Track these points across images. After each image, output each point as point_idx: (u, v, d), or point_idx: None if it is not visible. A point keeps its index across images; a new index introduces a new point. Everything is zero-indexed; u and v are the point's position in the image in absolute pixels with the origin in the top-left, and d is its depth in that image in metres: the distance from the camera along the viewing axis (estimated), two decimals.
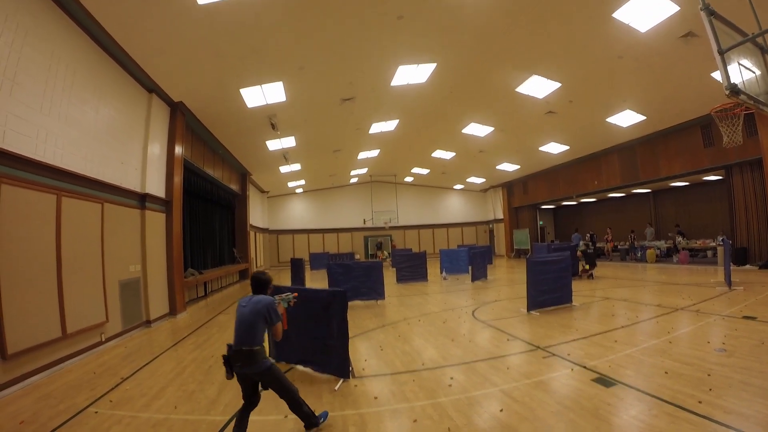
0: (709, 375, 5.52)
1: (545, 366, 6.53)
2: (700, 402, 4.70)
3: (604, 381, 5.61)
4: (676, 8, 10.40)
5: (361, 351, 7.93)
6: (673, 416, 4.44)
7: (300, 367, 6.95)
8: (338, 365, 6.35)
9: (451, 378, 6.16)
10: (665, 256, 23.63)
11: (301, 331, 6.87)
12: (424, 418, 4.87)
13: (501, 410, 4.94)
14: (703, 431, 4.12)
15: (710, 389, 5.04)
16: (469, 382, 6.00)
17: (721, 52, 5.05)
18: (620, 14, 10.82)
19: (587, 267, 17.23)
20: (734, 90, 4.91)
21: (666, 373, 5.73)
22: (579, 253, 17.81)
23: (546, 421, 4.60)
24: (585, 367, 6.24)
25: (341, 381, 6.17)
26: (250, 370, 4.26)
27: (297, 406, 4.47)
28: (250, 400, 4.43)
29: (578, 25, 11.47)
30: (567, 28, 11.62)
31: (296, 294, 5.44)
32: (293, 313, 6.97)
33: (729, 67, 5.07)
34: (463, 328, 9.63)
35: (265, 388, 4.44)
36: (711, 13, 5.09)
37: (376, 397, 5.59)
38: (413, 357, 7.44)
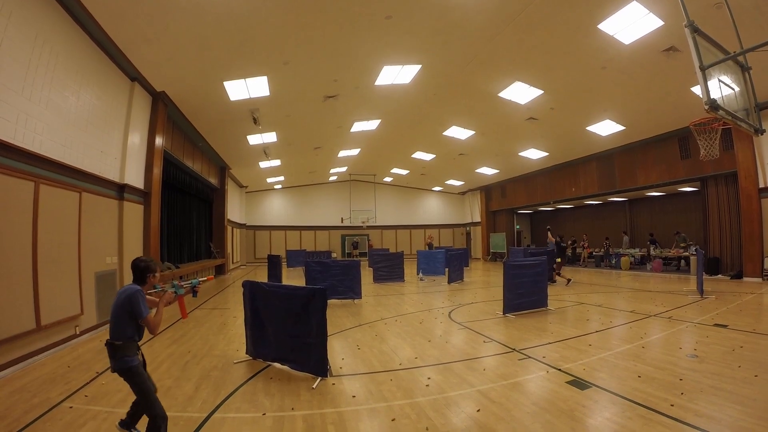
0: (681, 380, 5.67)
1: (521, 368, 6.62)
2: (672, 405, 4.83)
3: (579, 383, 5.71)
4: (660, 23, 10.61)
5: (338, 350, 7.93)
6: (646, 419, 4.55)
7: (277, 365, 6.90)
8: (316, 363, 6.33)
9: (429, 378, 6.20)
10: (639, 263, 24.08)
11: (278, 329, 6.85)
12: (402, 417, 4.89)
13: (478, 410, 4.99)
14: None
15: (682, 393, 5.18)
16: (446, 382, 6.04)
17: (703, 68, 5.18)
18: (606, 26, 10.98)
19: (558, 260, 17.36)
20: (713, 105, 5.05)
21: (639, 377, 5.86)
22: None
23: (522, 421, 4.67)
24: (560, 370, 6.34)
25: (319, 379, 6.16)
26: (113, 364, 3.93)
27: (151, 415, 3.92)
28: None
29: (564, 35, 11.60)
30: (553, 37, 11.74)
31: (210, 278, 5.39)
32: (271, 310, 7.00)
33: (709, 83, 5.22)
34: (440, 329, 9.70)
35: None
36: (695, 30, 5.23)
37: (354, 396, 5.59)
38: (390, 356, 7.47)
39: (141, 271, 4.15)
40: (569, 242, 26.47)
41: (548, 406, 5.03)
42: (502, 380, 6.05)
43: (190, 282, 4.69)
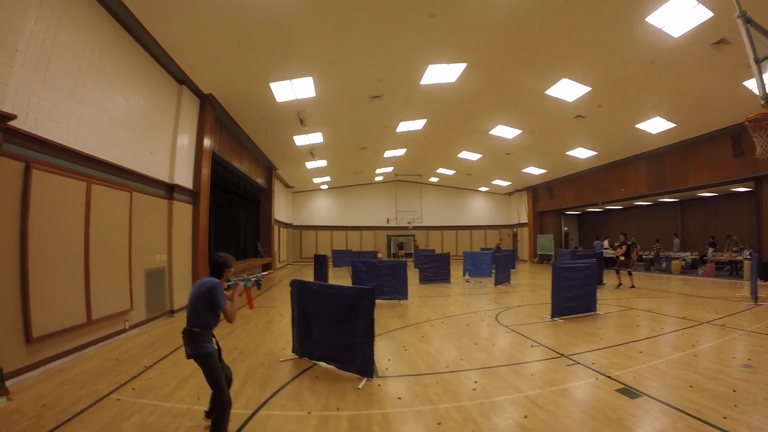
0: (734, 391, 5.39)
1: (569, 374, 6.41)
2: (725, 417, 4.59)
3: (629, 392, 5.49)
4: (709, 14, 10.14)
5: (384, 350, 7.84)
6: (697, 430, 4.34)
7: (323, 364, 6.87)
8: (362, 364, 6.26)
9: (475, 382, 6.06)
10: (690, 267, 23.14)
11: (325, 328, 6.82)
12: (449, 420, 4.78)
13: (525, 417, 4.84)
14: None
15: (735, 405, 4.92)
16: (492, 386, 5.89)
17: (758, 61, 4.90)
18: (653, 18, 10.56)
19: (622, 258, 16.98)
20: None
21: (691, 386, 5.60)
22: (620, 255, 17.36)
23: (570, 429, 4.50)
24: (609, 377, 6.10)
25: (365, 380, 6.09)
26: (189, 349, 4.20)
27: (219, 398, 4.20)
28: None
29: (611, 29, 11.21)
30: (599, 32, 11.37)
31: (271, 272, 5.51)
32: (318, 309, 6.97)
33: (765, 76, 4.91)
34: (486, 331, 9.51)
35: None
36: (747, 21, 4.95)
37: (399, 398, 5.51)
38: (436, 358, 7.36)
39: (219, 265, 4.55)
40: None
41: (597, 415, 4.84)
42: (550, 386, 5.87)
43: (255, 275, 5.04)
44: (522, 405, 5.19)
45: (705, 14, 10.20)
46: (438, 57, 12.94)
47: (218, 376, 4.18)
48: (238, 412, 4.97)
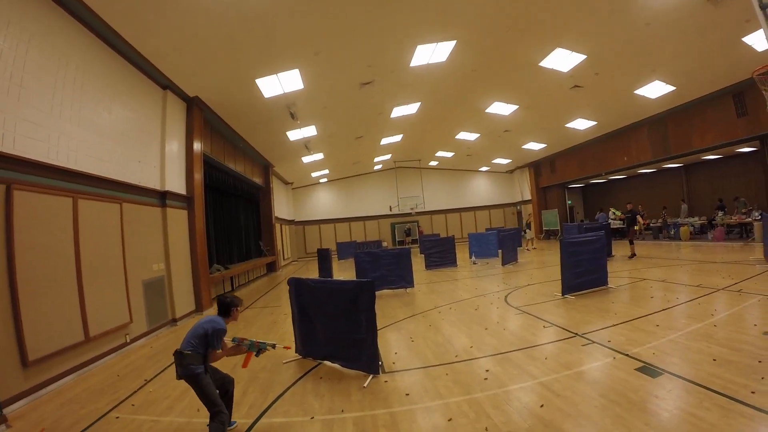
0: (759, 362, 5.11)
1: (585, 355, 6.17)
2: (753, 392, 4.33)
3: (649, 370, 5.25)
4: None
5: (390, 343, 7.68)
6: (725, 408, 4.10)
7: (327, 363, 6.72)
8: (367, 360, 6.08)
9: (487, 371, 5.86)
10: (699, 233, 22.80)
11: (326, 326, 6.66)
12: (460, 416, 4.59)
13: (542, 406, 4.63)
14: (759, 425, 3.76)
15: (762, 378, 4.65)
16: (505, 374, 5.69)
17: (763, 7, 4.64)
18: None
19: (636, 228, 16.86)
20: None
21: (714, 360, 5.33)
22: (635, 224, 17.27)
23: (591, 417, 4.27)
24: (627, 355, 5.87)
25: (370, 377, 5.93)
26: (179, 370, 4.27)
27: (217, 413, 4.23)
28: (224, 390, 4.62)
29: None
30: None
31: (288, 347, 5.55)
32: (318, 306, 6.80)
33: None
34: (496, 315, 9.31)
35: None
36: None
37: (407, 394, 5.32)
38: (446, 348, 7.18)
39: (226, 305, 4.67)
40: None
41: (618, 398, 4.60)
42: (566, 369, 5.63)
43: (261, 344, 4.84)
44: (537, 393, 4.99)
45: None
46: (426, 37, 12.66)
47: (210, 392, 4.26)
48: (239, 421, 4.83)
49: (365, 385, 5.70)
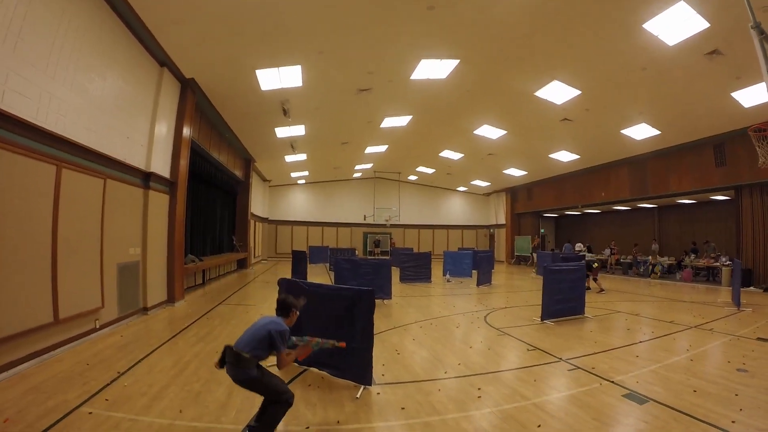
0: (736, 395, 5.47)
1: (572, 379, 6.28)
2: (733, 422, 4.64)
3: (636, 397, 5.44)
4: (706, 24, 10.18)
5: (376, 354, 7.27)
6: None
7: (314, 370, 6.40)
8: (360, 371, 5.78)
9: (479, 389, 5.76)
10: (667, 272, 23.41)
11: (319, 332, 6.29)
12: None
13: (539, 426, 4.63)
14: None
15: (741, 409, 4.99)
16: (498, 393, 5.64)
17: None
18: (651, 25, 10.52)
19: (596, 266, 16.76)
20: None
21: (694, 391, 5.63)
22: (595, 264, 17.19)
23: None
24: (613, 382, 6.03)
25: (362, 388, 5.65)
26: (232, 372, 4.08)
27: (284, 402, 4.18)
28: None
29: (607, 33, 11.10)
30: (596, 34, 11.22)
31: (342, 344, 5.03)
32: (310, 311, 6.44)
33: None
34: (479, 334, 9.24)
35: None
36: (761, 33, 4.87)
37: (403, 408, 5.09)
38: (434, 364, 7.04)
39: (287, 306, 4.48)
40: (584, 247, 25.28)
41: (611, 422, 4.79)
42: (556, 392, 5.78)
43: (327, 341, 4.84)
44: (533, 413, 4.99)
45: (702, 24, 10.27)
46: (432, 51, 12.57)
47: (276, 384, 4.22)
48: (227, 427, 4.49)
49: (357, 395, 5.43)
